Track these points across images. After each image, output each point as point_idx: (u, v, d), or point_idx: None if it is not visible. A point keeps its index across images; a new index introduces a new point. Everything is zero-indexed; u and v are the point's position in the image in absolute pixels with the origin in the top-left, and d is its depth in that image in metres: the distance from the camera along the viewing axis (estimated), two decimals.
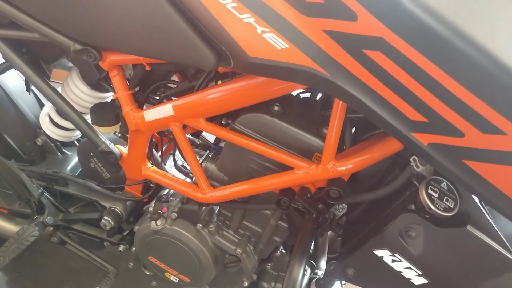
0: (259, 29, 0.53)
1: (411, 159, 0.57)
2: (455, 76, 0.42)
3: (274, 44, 0.52)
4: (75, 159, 1.10)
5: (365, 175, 0.74)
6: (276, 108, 0.72)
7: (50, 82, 0.88)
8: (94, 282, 0.93)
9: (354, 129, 0.76)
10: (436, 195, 0.56)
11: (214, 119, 0.79)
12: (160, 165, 0.92)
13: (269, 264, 0.93)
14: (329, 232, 0.92)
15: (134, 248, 0.95)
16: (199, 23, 0.57)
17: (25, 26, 0.72)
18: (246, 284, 0.90)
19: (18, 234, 0.89)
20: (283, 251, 0.92)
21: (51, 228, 0.98)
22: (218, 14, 0.55)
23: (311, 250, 0.90)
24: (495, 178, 0.48)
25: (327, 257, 0.89)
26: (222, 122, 0.79)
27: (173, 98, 0.79)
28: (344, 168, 0.67)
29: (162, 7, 0.59)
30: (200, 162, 0.85)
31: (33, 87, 1.03)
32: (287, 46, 0.52)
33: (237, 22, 0.54)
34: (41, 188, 0.95)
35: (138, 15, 0.62)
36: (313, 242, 0.92)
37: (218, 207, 0.88)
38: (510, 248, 0.56)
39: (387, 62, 0.44)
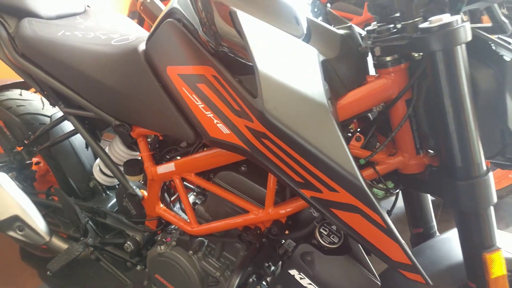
0: (215, 121, 0.86)
1: (311, 207, 0.85)
2: (302, 155, 0.71)
3: (222, 130, 0.85)
4: (115, 199, 1.47)
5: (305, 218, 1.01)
6: (243, 168, 1.04)
7: (102, 140, 1.28)
8: None
9: None
10: (326, 233, 0.83)
11: (204, 174, 1.11)
12: (169, 205, 1.25)
13: None
14: None
15: (147, 269, 1.27)
16: (186, 114, 0.92)
17: (87, 108, 1.13)
18: None
19: (68, 249, 1.25)
20: (255, 278, 1.18)
21: (92, 249, 1.34)
22: (195, 110, 0.89)
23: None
24: (349, 220, 0.75)
25: None
26: (210, 176, 1.11)
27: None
28: (283, 211, 0.95)
29: (167, 106, 0.95)
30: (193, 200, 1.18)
31: None
32: (229, 132, 0.84)
33: (203, 115, 0.88)
34: (87, 218, 1.32)
35: (152, 107, 0.99)
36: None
37: (207, 241, 1.18)
38: (377, 275, 0.80)
39: (273, 147, 0.75)
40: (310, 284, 0.84)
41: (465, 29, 0.66)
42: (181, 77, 0.91)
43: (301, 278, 0.86)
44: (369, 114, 0.92)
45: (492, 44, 0.75)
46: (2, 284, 1.75)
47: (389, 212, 1.05)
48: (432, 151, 0.86)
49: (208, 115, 0.87)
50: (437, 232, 1.07)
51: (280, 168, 0.77)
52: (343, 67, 0.84)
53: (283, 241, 1.00)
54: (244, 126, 0.80)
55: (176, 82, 0.91)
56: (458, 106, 0.71)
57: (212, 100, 0.86)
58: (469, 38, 0.67)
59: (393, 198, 1.02)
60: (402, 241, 0.72)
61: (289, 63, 0.74)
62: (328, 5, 1.60)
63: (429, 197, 1.05)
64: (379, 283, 0.80)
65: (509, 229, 2.05)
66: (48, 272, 1.23)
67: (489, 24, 0.81)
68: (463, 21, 0.67)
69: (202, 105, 0.88)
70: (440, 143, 0.78)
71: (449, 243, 0.96)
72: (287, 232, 0.97)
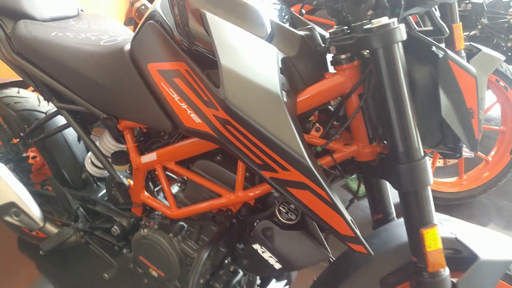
0: (188, 112, 0.96)
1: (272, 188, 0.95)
2: (258, 139, 0.81)
3: (194, 119, 0.95)
4: (105, 189, 1.57)
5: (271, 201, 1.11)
6: (218, 157, 1.14)
7: (92, 135, 1.38)
8: (103, 271, 1.37)
9: None
10: (285, 211, 0.93)
11: (184, 163, 1.21)
12: (152, 193, 1.35)
13: (222, 271, 1.29)
14: None
15: (132, 252, 1.37)
16: (165, 106, 1.02)
17: (77, 103, 1.24)
18: (202, 281, 1.26)
19: (59, 232, 1.36)
20: (230, 260, 1.28)
21: (82, 233, 1.44)
22: (172, 102, 0.99)
23: None
24: (301, 196, 0.84)
25: None
26: (189, 165, 1.21)
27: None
28: (252, 194, 1.05)
29: (149, 100, 1.06)
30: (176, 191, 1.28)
31: None
32: (200, 121, 0.94)
33: (179, 107, 0.98)
34: (78, 204, 1.43)
35: (136, 101, 1.09)
36: None
37: (187, 225, 1.28)
38: (328, 249, 0.90)
39: (236, 132, 0.85)
40: (271, 257, 0.94)
41: (400, 30, 0.77)
42: (160, 72, 1.01)
43: (263, 252, 0.95)
44: (330, 107, 1.03)
45: (433, 46, 0.86)
46: None
47: (352, 200, 1.16)
48: (385, 141, 0.96)
49: (183, 106, 0.97)
50: (395, 218, 1.17)
51: (243, 152, 0.87)
52: (302, 64, 0.94)
53: (255, 224, 1.10)
54: (212, 115, 0.90)
55: (156, 77, 1.02)
56: (397, 98, 0.81)
57: (185, 92, 0.96)
58: (404, 37, 0.78)
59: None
60: (347, 216, 0.82)
61: (249, 59, 0.84)
62: (303, 11, 1.72)
63: (388, 186, 1.15)
64: (331, 256, 0.90)
65: None
66: (40, 252, 1.33)
67: (430, 28, 0.92)
68: (399, 23, 0.78)
69: (178, 98, 0.98)
70: (386, 132, 0.88)
71: (402, 227, 1.05)
72: None
